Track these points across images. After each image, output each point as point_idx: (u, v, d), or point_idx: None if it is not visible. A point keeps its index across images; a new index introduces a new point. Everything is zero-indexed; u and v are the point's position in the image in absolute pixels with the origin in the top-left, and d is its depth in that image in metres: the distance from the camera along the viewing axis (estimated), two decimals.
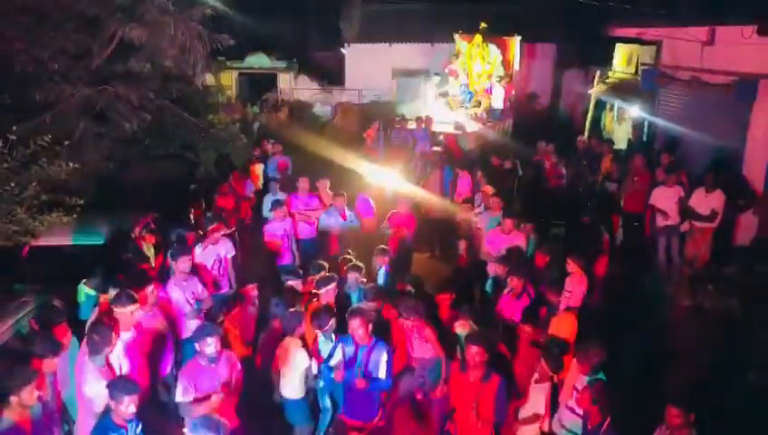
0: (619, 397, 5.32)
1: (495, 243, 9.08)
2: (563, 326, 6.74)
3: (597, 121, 17.85)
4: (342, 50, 24.33)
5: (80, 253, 8.01)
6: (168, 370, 6.59)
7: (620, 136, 16.63)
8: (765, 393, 6.86)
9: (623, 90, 16.41)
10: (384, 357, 5.82)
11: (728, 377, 7.16)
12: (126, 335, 5.87)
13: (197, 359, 5.56)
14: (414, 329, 6.51)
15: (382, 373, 5.81)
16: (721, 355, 7.48)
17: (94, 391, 5.21)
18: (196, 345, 5.53)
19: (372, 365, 5.80)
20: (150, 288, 6.51)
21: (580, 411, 5.44)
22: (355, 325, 5.81)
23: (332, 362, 5.93)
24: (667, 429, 4.96)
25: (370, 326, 5.87)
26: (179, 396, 5.43)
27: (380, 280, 8.10)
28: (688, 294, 8.96)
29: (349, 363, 5.84)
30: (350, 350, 5.88)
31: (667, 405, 4.92)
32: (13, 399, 4.64)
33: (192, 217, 10.20)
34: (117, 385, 4.80)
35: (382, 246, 8.56)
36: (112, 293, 6.22)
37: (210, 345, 5.45)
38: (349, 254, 8.31)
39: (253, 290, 7.42)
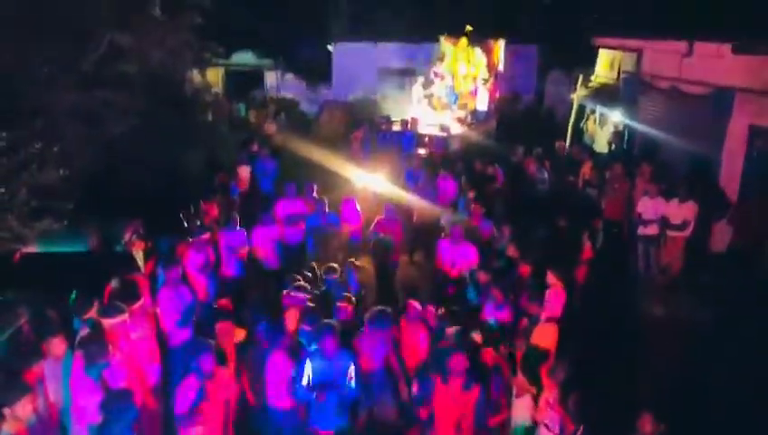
0: (594, 405, 5.55)
1: (446, 252, 9.24)
2: (544, 337, 6.95)
3: (579, 125, 18.12)
4: (329, 48, 24.40)
5: (65, 260, 8.12)
6: (156, 379, 6.71)
7: (602, 140, 16.90)
8: (737, 401, 7.12)
9: (605, 95, 16.68)
10: (351, 367, 5.98)
11: (701, 385, 7.43)
12: (116, 346, 6.01)
13: (191, 377, 5.66)
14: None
15: (352, 382, 5.97)
16: (693, 364, 7.75)
17: (89, 403, 5.35)
18: (195, 363, 5.64)
19: (340, 376, 5.95)
20: (140, 299, 6.65)
21: (557, 430, 5.62)
22: (326, 339, 5.92)
23: (304, 382, 5.97)
24: None
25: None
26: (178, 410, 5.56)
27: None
28: (663, 303, 9.22)
29: (321, 378, 5.94)
30: (319, 364, 5.97)
31: (640, 412, 5.13)
32: (7, 412, 4.77)
33: (184, 221, 10.31)
34: (112, 399, 4.95)
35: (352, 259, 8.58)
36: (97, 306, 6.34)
37: (206, 362, 5.59)
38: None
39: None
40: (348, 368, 5.97)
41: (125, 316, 6.14)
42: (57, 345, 5.72)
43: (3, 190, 7.93)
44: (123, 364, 5.97)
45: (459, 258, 9.10)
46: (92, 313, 6.25)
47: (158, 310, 7.20)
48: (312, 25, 25.40)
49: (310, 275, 8.37)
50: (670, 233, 10.37)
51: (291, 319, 6.60)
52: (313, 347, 6.19)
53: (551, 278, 7.77)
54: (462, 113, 19.06)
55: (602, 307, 8.94)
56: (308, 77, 24.52)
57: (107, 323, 6.04)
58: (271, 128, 18.09)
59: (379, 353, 6.29)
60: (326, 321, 6.36)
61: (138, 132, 11.17)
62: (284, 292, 7.49)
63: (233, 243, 9.28)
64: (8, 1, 9.24)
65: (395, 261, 10.35)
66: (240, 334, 6.68)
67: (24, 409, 4.85)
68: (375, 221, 10.33)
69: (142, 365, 6.42)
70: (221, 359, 5.99)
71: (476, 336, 6.90)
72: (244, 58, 23.88)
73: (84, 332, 6.07)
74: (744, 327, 8.27)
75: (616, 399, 7.02)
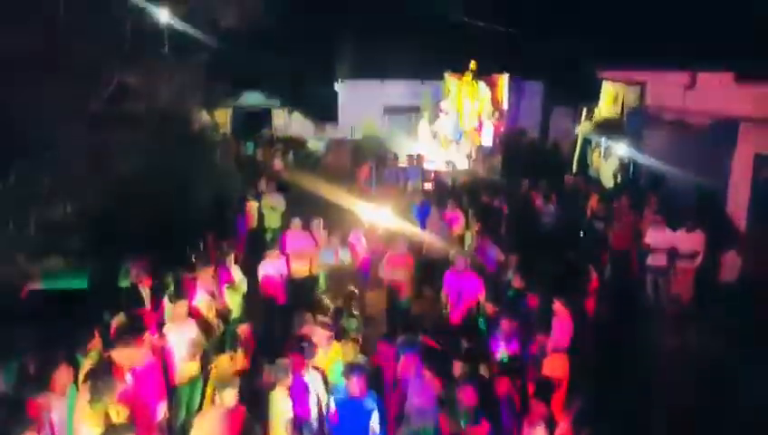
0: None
1: (452, 284, 9.20)
2: (555, 367, 6.89)
3: (584, 159, 18.19)
4: (336, 87, 24.73)
5: (71, 296, 8.13)
6: (161, 415, 6.63)
7: (607, 173, 16.94)
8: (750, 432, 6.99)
9: (609, 128, 16.78)
10: (375, 410, 5.94)
11: (712, 416, 7.30)
12: (122, 380, 5.97)
13: (211, 409, 5.65)
14: (413, 370, 6.56)
15: (376, 426, 5.91)
16: (705, 394, 7.63)
17: None
18: (215, 397, 5.60)
19: (365, 418, 5.90)
20: (146, 333, 6.63)
21: None
22: (354, 380, 5.91)
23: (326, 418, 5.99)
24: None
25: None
26: None
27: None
28: (674, 333, 9.13)
29: (342, 417, 5.92)
30: (343, 402, 5.95)
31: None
32: None
33: (191, 257, 10.31)
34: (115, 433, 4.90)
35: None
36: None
37: (230, 396, 5.59)
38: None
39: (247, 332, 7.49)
40: (369, 417, 5.92)
41: (131, 350, 6.10)
42: (62, 377, 5.69)
43: (10, 226, 7.98)
44: (128, 399, 5.92)
45: (465, 289, 9.05)
46: (97, 346, 6.22)
47: (164, 345, 7.16)
48: (318, 65, 25.83)
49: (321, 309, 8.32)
50: (679, 263, 10.30)
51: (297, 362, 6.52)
52: (341, 384, 6.15)
53: (557, 306, 7.72)
54: (468, 149, 19.15)
55: (613, 338, 8.84)
56: (315, 115, 24.82)
57: (112, 356, 6.00)
58: (278, 165, 18.22)
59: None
60: (355, 361, 6.36)
61: (145, 170, 11.26)
62: (298, 331, 7.39)
63: (229, 281, 9.26)
64: (20, 39, 9.39)
65: (407, 296, 10.26)
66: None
67: None
68: (387, 256, 10.26)
69: (148, 401, 6.36)
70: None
71: (485, 370, 6.84)
72: (253, 98, 24.25)
73: (90, 365, 6.03)
74: (757, 357, 8.16)
75: (629, 430, 6.95)
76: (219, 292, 8.82)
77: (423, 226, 12.40)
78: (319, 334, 6.94)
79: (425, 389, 6.37)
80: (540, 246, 11.97)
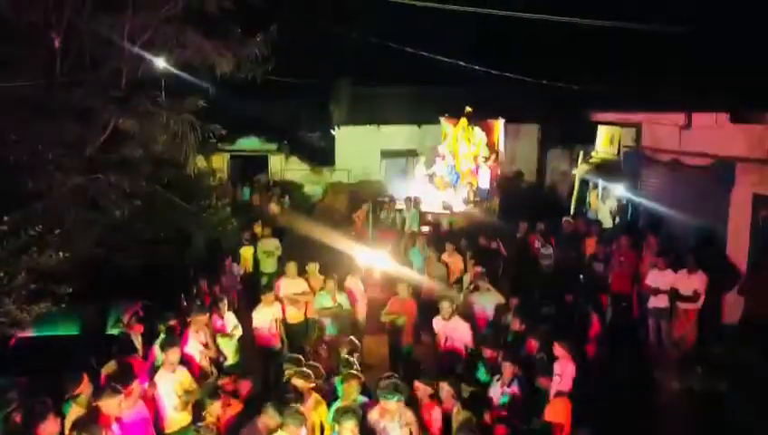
0: None
1: (440, 330, 9.13)
2: (557, 412, 6.71)
3: (582, 200, 18.17)
4: (332, 131, 24.90)
5: (60, 344, 7.95)
6: None
7: (605, 214, 16.89)
8: None
9: (606, 169, 16.79)
10: None
11: None
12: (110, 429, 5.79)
13: None
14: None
15: None
16: None
17: None
18: None
19: None
20: (136, 382, 6.46)
21: None
22: (350, 426, 5.77)
23: None
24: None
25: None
26: None
27: None
28: (677, 376, 8.94)
29: None
30: None
31: None
32: None
33: (183, 303, 10.17)
34: None
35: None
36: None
37: None
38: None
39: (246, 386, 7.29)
40: None
41: (121, 398, 5.94)
42: (49, 428, 5.53)
43: (1, 274, 7.85)
44: None
45: (451, 334, 8.95)
46: (86, 392, 6.06)
47: (155, 393, 6.97)
48: (315, 110, 26.09)
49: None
50: (681, 305, 10.14)
51: None
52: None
53: (558, 350, 7.55)
54: (465, 191, 19.15)
55: (616, 382, 8.66)
56: (312, 160, 24.94)
57: (101, 404, 5.82)
58: (274, 209, 18.19)
59: None
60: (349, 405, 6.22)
61: (139, 215, 11.20)
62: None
63: (221, 328, 9.10)
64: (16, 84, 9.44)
65: (409, 343, 10.08)
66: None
67: None
68: (390, 302, 10.10)
69: None
70: None
71: (486, 416, 6.66)
72: (249, 143, 24.40)
73: (77, 413, 5.86)
74: (762, 399, 7.98)
75: None
76: (212, 339, 8.66)
77: (421, 269, 12.31)
78: (301, 385, 6.73)
79: None
80: (539, 289, 11.87)
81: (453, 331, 8.98)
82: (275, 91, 23.58)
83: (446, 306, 9.12)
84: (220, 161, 23.24)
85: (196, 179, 14.06)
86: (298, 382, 6.69)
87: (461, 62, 17.36)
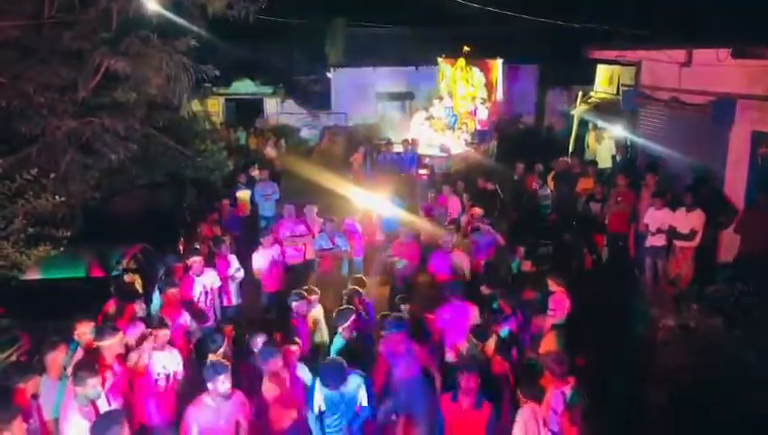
0: (600, 417, 5.37)
1: (439, 263, 9.20)
2: (552, 345, 6.80)
3: (581, 141, 18.06)
4: (328, 74, 24.56)
5: (63, 286, 7.99)
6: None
7: (603, 155, 16.81)
8: (749, 412, 6.91)
9: (605, 109, 16.63)
10: (362, 386, 5.85)
11: (713, 396, 7.22)
12: (110, 373, 5.85)
13: (204, 398, 5.41)
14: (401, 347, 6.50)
15: (364, 402, 5.84)
16: (705, 374, 7.55)
17: (76, 431, 5.16)
18: (208, 384, 5.38)
19: (350, 404, 5.82)
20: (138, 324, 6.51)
21: None
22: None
23: (317, 409, 5.83)
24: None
25: None
26: None
27: None
28: (673, 313, 9.04)
29: (332, 406, 5.81)
30: (329, 392, 5.77)
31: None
32: (4, 433, 4.64)
33: (181, 247, 10.20)
34: (102, 421, 4.78)
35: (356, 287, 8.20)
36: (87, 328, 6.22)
37: (224, 383, 5.34)
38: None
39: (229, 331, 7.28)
40: (357, 395, 5.82)
41: (119, 338, 5.99)
42: (59, 358, 5.67)
43: None
44: (116, 393, 5.79)
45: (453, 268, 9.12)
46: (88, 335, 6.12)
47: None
48: (310, 53, 25.66)
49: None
50: (678, 243, 10.17)
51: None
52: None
53: (552, 285, 7.68)
54: (462, 133, 19.01)
55: (612, 318, 8.76)
56: (307, 103, 24.68)
57: (101, 345, 5.89)
58: (271, 153, 18.07)
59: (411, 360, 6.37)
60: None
61: (135, 159, 11.12)
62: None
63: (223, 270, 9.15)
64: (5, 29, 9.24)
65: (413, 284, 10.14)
66: None
67: (19, 429, 4.71)
68: (394, 245, 10.13)
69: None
70: None
71: (489, 348, 6.76)
72: (244, 86, 24.11)
73: (76, 359, 5.94)
74: (757, 336, 8.08)
75: (627, 413, 6.89)
76: (224, 278, 8.77)
77: (419, 211, 12.32)
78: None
79: (412, 362, 6.39)
80: (536, 229, 11.91)
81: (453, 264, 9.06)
82: (270, 34, 23.24)
83: (448, 239, 9.27)
84: (215, 105, 23.00)
85: (191, 123, 13.92)
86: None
87: (458, 0, 16.95)
